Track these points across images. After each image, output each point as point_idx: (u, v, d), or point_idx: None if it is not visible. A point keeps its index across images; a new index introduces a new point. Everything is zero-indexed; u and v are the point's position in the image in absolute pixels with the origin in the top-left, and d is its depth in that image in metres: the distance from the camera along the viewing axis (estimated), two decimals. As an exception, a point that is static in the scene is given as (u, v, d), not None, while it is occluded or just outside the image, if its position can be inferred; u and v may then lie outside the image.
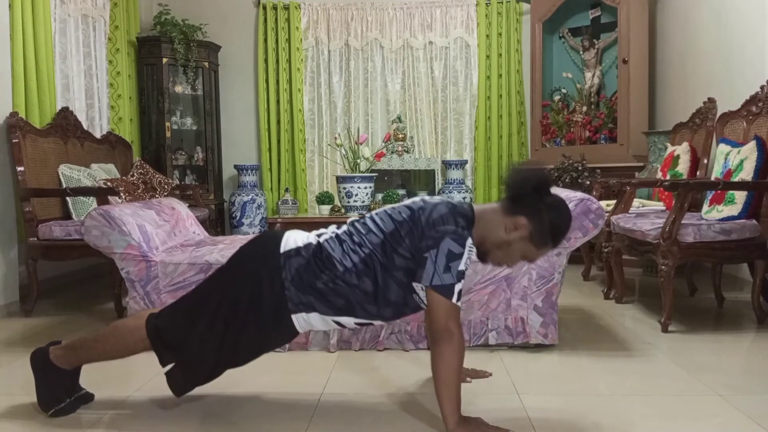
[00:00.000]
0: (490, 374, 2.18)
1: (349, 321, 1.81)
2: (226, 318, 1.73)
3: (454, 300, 1.67)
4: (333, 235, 1.81)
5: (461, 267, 1.67)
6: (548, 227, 1.73)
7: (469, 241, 1.70)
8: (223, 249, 2.55)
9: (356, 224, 1.81)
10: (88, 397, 1.95)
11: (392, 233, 1.74)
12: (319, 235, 1.83)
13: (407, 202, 1.83)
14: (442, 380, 1.67)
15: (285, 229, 1.94)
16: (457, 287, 1.67)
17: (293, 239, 1.80)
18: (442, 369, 1.67)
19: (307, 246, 1.77)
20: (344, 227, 1.84)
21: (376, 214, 1.82)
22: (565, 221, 1.77)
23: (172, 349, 1.78)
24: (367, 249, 1.74)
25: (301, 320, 1.77)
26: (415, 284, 1.74)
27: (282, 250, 1.77)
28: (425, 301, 1.73)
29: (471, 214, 1.76)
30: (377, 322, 1.86)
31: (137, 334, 1.80)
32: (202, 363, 1.78)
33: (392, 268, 1.73)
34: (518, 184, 1.74)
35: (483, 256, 1.81)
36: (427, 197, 1.84)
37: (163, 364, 1.80)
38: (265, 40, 5.79)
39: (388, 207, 1.84)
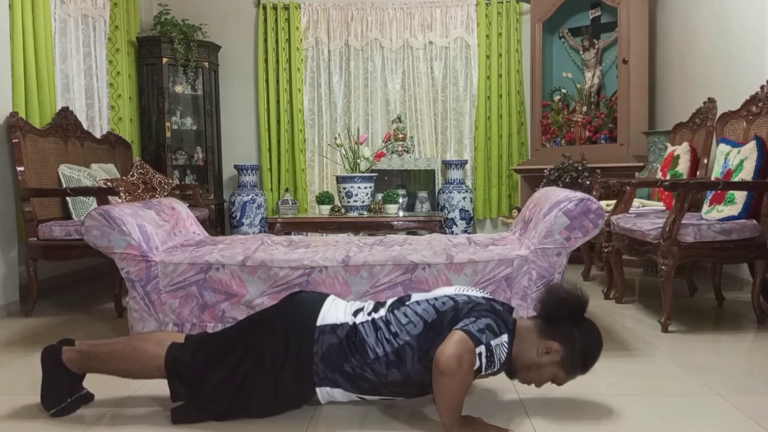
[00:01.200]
0: None
1: (373, 398, 1.82)
2: (247, 371, 1.73)
3: (475, 347, 1.62)
4: (369, 319, 1.79)
5: (494, 343, 1.64)
6: (580, 355, 1.73)
7: (506, 337, 1.67)
8: (223, 249, 2.55)
9: (396, 312, 1.79)
10: (89, 397, 1.95)
11: (433, 323, 1.73)
12: (355, 313, 1.81)
13: (450, 292, 1.83)
14: (443, 408, 1.65)
15: (324, 294, 1.92)
16: (482, 347, 1.62)
17: (332, 314, 1.79)
18: (445, 401, 1.64)
19: (343, 326, 1.76)
20: (382, 312, 1.81)
21: (418, 303, 1.80)
22: (597, 349, 1.78)
23: (187, 386, 1.77)
24: (401, 340, 1.73)
25: (324, 393, 1.77)
26: None
27: (318, 323, 1.76)
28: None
29: (513, 323, 1.75)
30: (401, 399, 1.85)
31: (156, 362, 1.79)
32: (211, 406, 1.78)
33: (426, 357, 1.70)
34: (554, 306, 1.74)
35: (511, 373, 1.79)
36: (470, 292, 1.84)
37: (174, 399, 1.81)
38: (265, 40, 5.80)
39: (429, 296, 1.83)
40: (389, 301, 1.87)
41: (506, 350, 1.68)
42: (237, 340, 1.79)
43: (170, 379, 1.78)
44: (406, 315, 1.77)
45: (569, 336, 1.72)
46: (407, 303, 1.82)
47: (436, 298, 1.81)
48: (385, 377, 1.73)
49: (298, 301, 1.88)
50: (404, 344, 1.72)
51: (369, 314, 1.81)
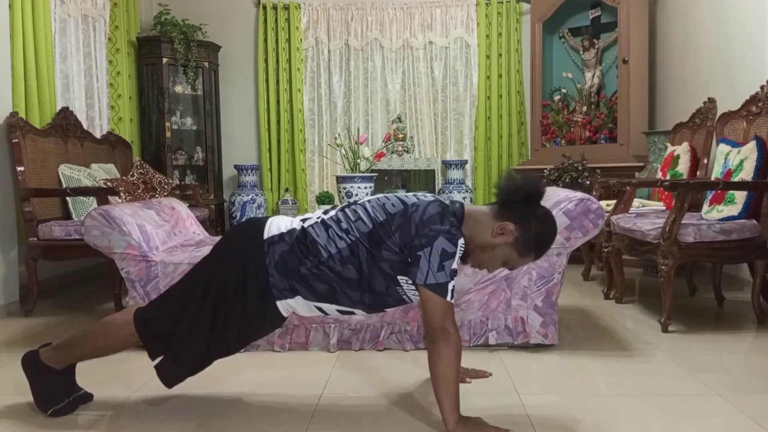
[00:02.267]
0: (490, 374, 2.18)
1: (330, 308, 1.83)
2: (214, 305, 1.74)
3: (448, 298, 1.67)
4: (318, 220, 1.81)
5: (454, 266, 1.67)
6: (534, 237, 1.74)
7: (461, 240, 1.70)
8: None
9: (346, 210, 1.81)
10: (87, 397, 1.95)
11: (382, 224, 1.74)
12: (303, 220, 1.83)
13: (400, 195, 1.83)
14: (440, 379, 1.68)
15: (270, 215, 1.94)
16: (451, 285, 1.67)
17: (276, 225, 1.81)
18: (441, 368, 1.67)
19: (291, 231, 1.78)
20: (332, 212, 1.83)
21: (368, 201, 1.82)
22: (551, 233, 1.78)
23: (161, 340, 1.78)
24: (353, 236, 1.75)
25: (285, 306, 1.79)
26: (400, 278, 1.75)
27: (265, 236, 1.78)
28: (408, 295, 1.77)
29: (461, 214, 1.78)
30: (358, 311, 1.86)
31: (126, 329, 1.80)
32: (191, 352, 1.78)
33: (378, 258, 1.74)
34: (511, 190, 1.75)
35: (464, 257, 1.79)
36: (420, 194, 1.85)
37: (153, 356, 1.81)
38: (265, 40, 5.80)
39: (380, 195, 1.85)
40: (340, 205, 1.89)
41: (464, 249, 1.71)
42: (196, 280, 1.79)
43: (144, 339, 1.80)
44: (356, 211, 1.79)
45: (524, 218, 1.72)
46: (358, 202, 1.84)
47: (387, 198, 1.81)
48: (341, 274, 1.74)
49: (241, 225, 1.91)
50: (356, 240, 1.74)
51: (318, 217, 1.83)
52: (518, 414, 1.86)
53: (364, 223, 1.76)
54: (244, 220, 2.04)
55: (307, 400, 1.99)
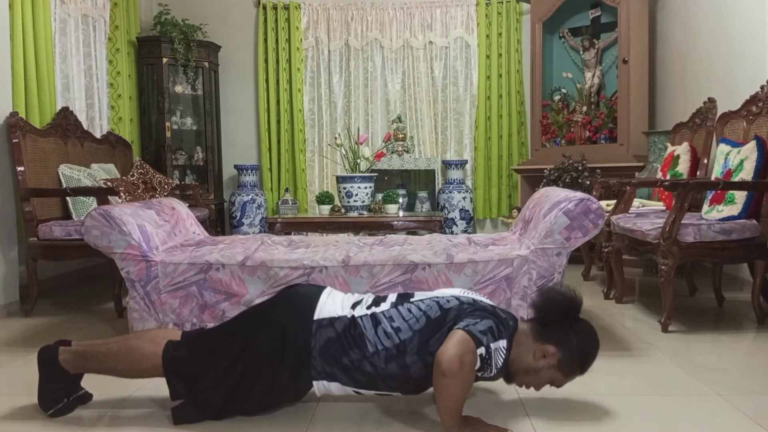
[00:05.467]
0: None
1: (369, 393, 1.80)
2: (245, 366, 1.73)
3: (477, 349, 1.62)
4: (370, 313, 1.78)
5: (492, 345, 1.64)
6: (577, 356, 1.72)
7: (505, 341, 1.67)
8: (223, 249, 2.55)
9: (399, 308, 1.78)
10: (87, 397, 1.94)
11: (436, 319, 1.72)
12: (353, 306, 1.80)
13: (456, 293, 1.84)
14: (444, 409, 1.65)
15: (321, 287, 1.90)
16: (483, 349, 1.63)
17: (329, 308, 1.78)
18: (446, 402, 1.64)
19: (341, 319, 1.75)
20: (384, 306, 1.80)
21: (422, 300, 1.80)
22: (594, 349, 1.77)
23: (185, 383, 1.77)
24: (403, 335, 1.72)
25: (321, 386, 1.77)
26: None
27: (316, 317, 1.75)
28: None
29: (513, 330, 1.74)
30: (397, 394, 1.83)
31: (153, 361, 1.78)
32: (210, 402, 1.77)
33: (425, 353, 1.70)
34: (548, 309, 1.74)
35: (509, 378, 1.78)
36: (475, 296, 1.85)
37: (173, 398, 1.80)
38: (265, 40, 5.80)
39: (434, 294, 1.83)
40: (392, 296, 1.86)
41: (503, 356, 1.68)
42: (234, 335, 1.78)
43: (168, 378, 1.78)
44: (410, 311, 1.77)
45: (565, 338, 1.71)
46: (411, 300, 1.82)
47: (441, 296, 1.81)
48: (384, 370, 1.72)
49: (294, 294, 1.87)
50: (406, 339, 1.71)
51: (369, 308, 1.80)
52: (518, 414, 1.86)
53: (417, 321, 1.73)
54: (299, 285, 1.97)
55: (307, 400, 1.99)
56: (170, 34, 5.30)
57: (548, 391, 2.04)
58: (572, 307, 1.74)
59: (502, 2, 5.73)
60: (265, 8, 5.79)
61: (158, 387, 1.88)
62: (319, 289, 1.87)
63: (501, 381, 2.14)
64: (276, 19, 5.81)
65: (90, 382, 1.95)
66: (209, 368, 1.74)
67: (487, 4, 5.75)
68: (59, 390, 1.86)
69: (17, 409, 1.92)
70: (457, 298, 1.78)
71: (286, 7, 5.80)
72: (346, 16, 5.85)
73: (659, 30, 5.03)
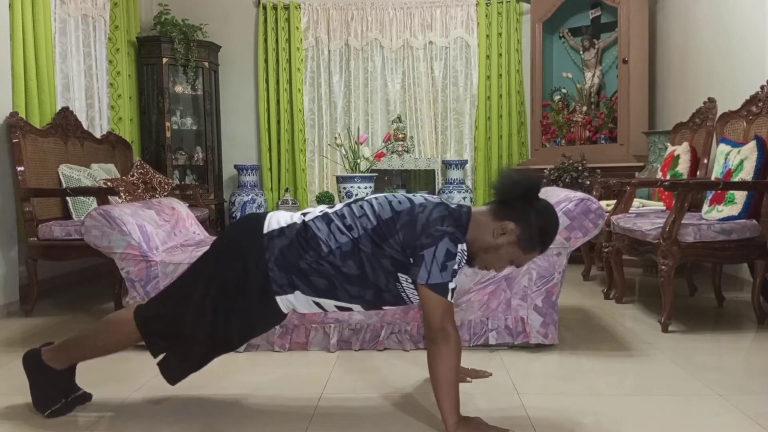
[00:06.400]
0: (490, 374, 2.18)
1: (329, 303, 1.81)
2: (215, 301, 1.74)
3: (448, 298, 1.67)
4: (321, 214, 1.80)
5: (455, 266, 1.67)
6: (536, 232, 1.73)
7: (463, 245, 1.70)
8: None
9: (351, 206, 1.80)
10: (86, 397, 1.94)
11: (387, 221, 1.73)
12: (304, 214, 1.82)
13: (408, 195, 1.83)
14: (440, 379, 1.67)
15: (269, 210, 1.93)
16: (451, 285, 1.67)
17: (276, 219, 1.80)
18: (441, 368, 1.67)
19: (291, 226, 1.77)
20: (337, 206, 1.82)
21: (375, 198, 1.81)
22: (553, 226, 1.77)
23: (163, 337, 1.78)
24: (356, 232, 1.74)
25: (285, 301, 1.78)
26: (401, 275, 1.74)
27: (265, 230, 1.77)
28: (408, 293, 1.77)
29: (467, 218, 1.77)
30: (356, 308, 1.85)
31: (128, 326, 1.80)
32: (194, 348, 1.78)
33: (380, 255, 1.73)
34: (507, 188, 1.74)
35: (470, 260, 1.79)
36: (427, 195, 1.85)
37: (155, 354, 1.80)
38: (265, 40, 5.80)
39: (388, 194, 1.84)
40: (346, 201, 1.88)
41: (465, 256, 1.71)
42: (196, 276, 1.79)
43: (145, 336, 1.79)
44: (361, 207, 1.78)
45: (524, 215, 1.71)
46: (364, 198, 1.83)
47: (394, 196, 1.81)
48: (341, 269, 1.73)
49: (241, 221, 1.90)
50: (359, 236, 1.73)
51: (321, 211, 1.82)
52: (518, 414, 1.86)
53: (368, 220, 1.75)
54: (244, 215, 2.02)
55: (307, 400, 1.99)
56: (170, 34, 5.30)
57: (548, 391, 2.04)
58: (532, 186, 1.74)
59: (502, 2, 5.73)
60: (265, 8, 5.79)
61: (158, 387, 1.88)
62: (265, 212, 1.89)
63: (501, 380, 2.14)
64: (276, 19, 5.81)
65: (91, 382, 1.95)
66: (182, 315, 1.75)
67: (487, 4, 5.75)
68: (54, 390, 1.87)
69: (17, 410, 1.92)
70: (409, 200, 1.78)
71: (286, 7, 5.80)
72: (346, 16, 5.85)
73: (659, 30, 5.03)
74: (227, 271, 1.75)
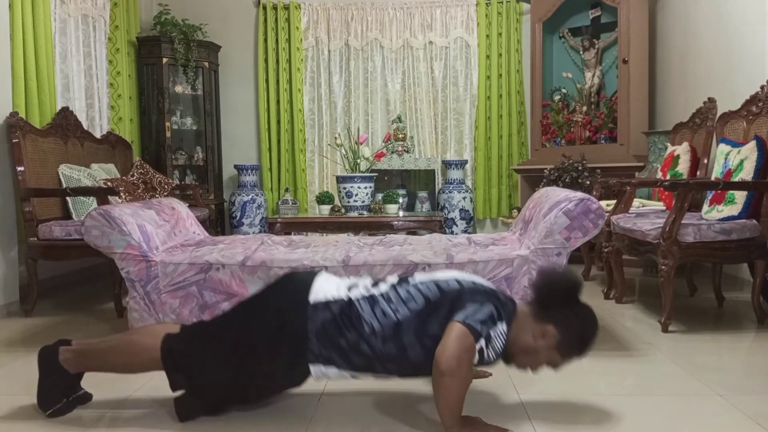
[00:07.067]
0: (490, 374, 2.18)
1: (366, 376, 1.79)
2: (243, 354, 1.72)
3: (476, 344, 1.61)
4: (367, 294, 1.77)
5: (491, 333, 1.64)
6: (576, 338, 1.72)
7: (504, 325, 1.67)
8: (223, 249, 2.55)
9: (398, 289, 1.77)
10: (87, 397, 1.94)
11: (436, 301, 1.71)
12: (350, 288, 1.79)
13: (457, 275, 1.82)
14: (444, 408, 1.64)
15: (315, 271, 1.89)
16: (483, 341, 1.62)
17: (324, 291, 1.77)
18: (446, 400, 1.63)
19: (337, 301, 1.74)
20: (383, 288, 1.79)
21: (422, 282, 1.79)
22: (592, 332, 1.76)
23: (184, 374, 1.77)
24: (401, 315, 1.71)
25: (318, 371, 1.75)
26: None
27: (311, 300, 1.74)
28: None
29: (513, 309, 1.74)
30: (394, 378, 1.82)
31: (152, 353, 1.78)
32: (211, 393, 1.78)
33: (423, 335, 1.69)
34: (547, 290, 1.73)
35: (507, 359, 1.77)
36: (477, 279, 1.83)
37: (174, 388, 1.80)
38: (265, 40, 5.80)
39: (434, 276, 1.82)
40: (391, 278, 1.85)
41: (502, 340, 1.68)
42: (231, 324, 1.78)
43: (167, 370, 1.78)
44: (408, 292, 1.75)
45: (564, 319, 1.71)
46: (410, 281, 1.81)
47: (441, 279, 1.79)
48: (381, 351, 1.70)
49: (289, 279, 1.87)
50: (403, 319, 1.70)
51: (367, 290, 1.79)
52: (518, 414, 1.86)
53: (415, 302, 1.72)
54: (294, 272, 1.97)
55: (307, 400, 1.99)
56: (170, 34, 5.30)
57: (548, 391, 2.04)
58: (572, 290, 1.73)
59: (502, 2, 5.73)
60: (265, 8, 5.79)
61: (158, 387, 1.88)
62: (314, 273, 1.86)
63: (501, 380, 2.14)
64: (276, 19, 5.81)
65: (90, 383, 1.95)
66: (207, 359, 1.74)
67: (487, 4, 5.75)
68: (58, 390, 1.86)
69: (17, 409, 1.92)
70: (458, 281, 1.77)
71: (286, 7, 5.80)
72: (346, 16, 5.85)
73: (659, 30, 5.03)
74: (263, 328, 1.72)
